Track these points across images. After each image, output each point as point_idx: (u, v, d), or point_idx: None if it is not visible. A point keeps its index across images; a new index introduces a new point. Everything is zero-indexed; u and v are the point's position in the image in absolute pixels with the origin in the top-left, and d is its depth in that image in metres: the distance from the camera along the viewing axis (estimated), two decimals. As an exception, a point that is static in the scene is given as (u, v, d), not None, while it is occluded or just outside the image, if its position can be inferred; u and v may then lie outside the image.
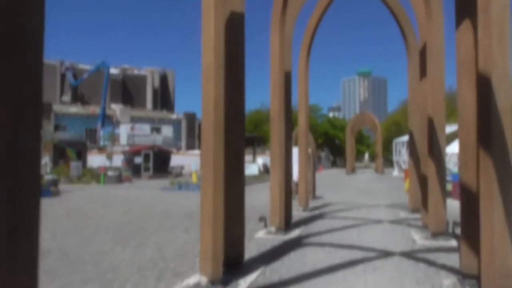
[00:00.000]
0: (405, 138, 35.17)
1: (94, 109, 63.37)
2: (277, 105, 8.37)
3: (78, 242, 7.65)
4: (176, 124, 68.33)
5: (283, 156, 8.50)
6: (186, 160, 37.26)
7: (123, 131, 57.29)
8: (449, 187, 12.93)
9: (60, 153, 30.74)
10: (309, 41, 11.68)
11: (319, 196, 16.03)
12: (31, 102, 1.94)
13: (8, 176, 1.80)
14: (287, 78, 9.45)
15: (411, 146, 11.35)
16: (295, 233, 8.39)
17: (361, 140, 72.42)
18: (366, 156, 69.26)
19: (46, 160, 23.05)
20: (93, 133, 58.48)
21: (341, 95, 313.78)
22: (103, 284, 5.07)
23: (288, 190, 9.18)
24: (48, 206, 13.47)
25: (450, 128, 16.85)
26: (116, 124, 61.50)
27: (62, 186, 20.99)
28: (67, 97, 71.33)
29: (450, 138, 16.40)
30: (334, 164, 68.45)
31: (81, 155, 32.39)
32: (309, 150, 13.97)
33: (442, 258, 6.19)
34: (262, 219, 8.75)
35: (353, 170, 44.20)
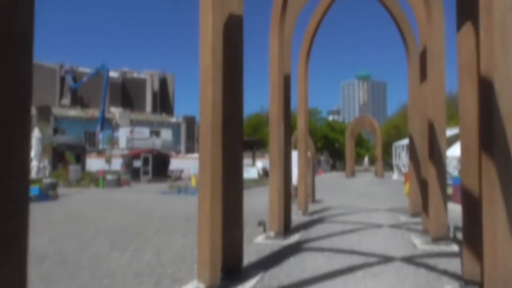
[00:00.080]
0: (405, 141, 35.11)
1: (93, 112, 63.29)
2: (276, 108, 8.31)
3: (75, 246, 7.56)
4: (175, 128, 68.26)
5: (282, 160, 8.43)
6: (186, 164, 37.15)
7: (122, 134, 57.21)
8: (449, 190, 12.85)
9: (59, 157, 30.64)
10: (309, 44, 11.64)
11: (319, 200, 15.95)
12: (20, 104, 1.87)
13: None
14: (286, 81, 9.39)
15: (411, 149, 11.29)
16: (294, 237, 8.31)
17: (360, 144, 72.36)
18: (366, 159, 69.13)
19: (44, 163, 22.93)
20: (92, 137, 58.37)
21: (341, 99, 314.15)
22: (99, 290, 5.00)
23: (287, 194, 9.11)
24: (46, 210, 13.39)
25: (450, 132, 16.80)
26: (116, 127, 61.42)
27: (61, 190, 20.90)
28: (66, 100, 71.26)
29: (450, 141, 16.36)
30: (333, 167, 68.35)
31: (80, 159, 32.31)
32: (309, 154, 13.90)
33: (443, 263, 6.11)
34: (261, 223, 8.67)
35: (352, 174, 44.12)
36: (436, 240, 7.40)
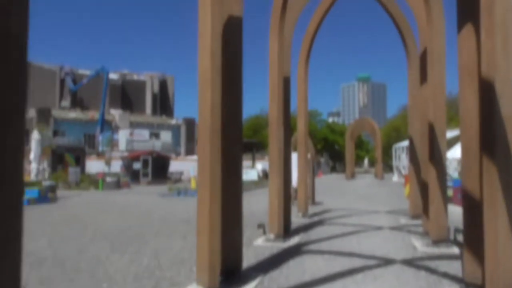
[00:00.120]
0: (405, 143, 35.08)
1: (93, 114, 63.23)
2: (275, 110, 8.28)
3: (74, 249, 7.52)
4: (175, 130, 68.19)
5: (281, 162, 8.39)
6: (185, 166, 37.09)
7: (122, 136, 57.14)
8: (449, 192, 12.82)
9: (58, 159, 30.61)
10: (309, 45, 11.61)
11: (319, 202, 15.91)
12: (14, 105, 1.84)
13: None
14: (286, 83, 9.36)
15: (411, 151, 11.26)
16: (294, 240, 8.27)
17: (360, 146, 72.33)
18: (366, 161, 69.11)
19: (44, 165, 22.90)
20: (91, 139, 58.30)
21: (341, 101, 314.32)
22: (98, 293, 4.96)
23: (287, 196, 9.07)
24: (45, 212, 13.36)
25: (450, 133, 16.79)
26: (115, 129, 61.36)
27: (60, 192, 20.85)
28: (66, 102, 71.19)
29: (450, 143, 16.33)
30: (333, 169, 68.32)
31: (79, 161, 32.26)
32: (308, 156, 13.87)
33: (444, 266, 6.07)
34: (261, 226, 8.63)
35: (352, 176, 44.09)
36: (436, 242, 7.36)
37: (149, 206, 15.58)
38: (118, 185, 26.20)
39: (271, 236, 8.13)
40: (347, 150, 45.74)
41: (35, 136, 21.64)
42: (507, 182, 3.92)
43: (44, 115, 59.62)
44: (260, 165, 36.42)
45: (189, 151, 62.52)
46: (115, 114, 67.89)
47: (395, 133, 63.35)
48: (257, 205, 13.56)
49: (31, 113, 60.63)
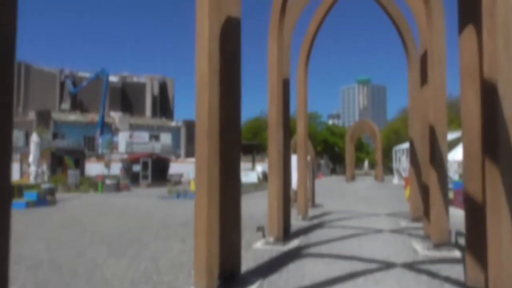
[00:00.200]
0: (405, 145, 35.02)
1: (93, 116, 63.23)
2: (275, 112, 8.21)
3: (72, 253, 7.44)
4: (175, 132, 68.19)
5: (281, 164, 8.33)
6: (185, 168, 37.03)
7: (122, 138, 57.12)
8: (450, 195, 12.75)
9: (58, 161, 30.52)
10: (308, 47, 11.55)
11: (319, 204, 15.83)
12: (2, 106, 1.78)
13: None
14: (286, 85, 9.30)
15: (412, 153, 11.19)
16: (294, 243, 8.19)
17: (360, 148, 72.24)
18: (366, 163, 68.99)
19: (43, 168, 22.83)
20: (91, 141, 58.28)
21: (341, 103, 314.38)
22: (94, 298, 4.88)
23: (286, 198, 9.00)
24: (43, 215, 13.29)
25: (450, 135, 16.73)
26: (115, 131, 61.33)
27: (60, 195, 20.78)
28: (66, 105, 71.24)
29: (450, 145, 16.27)
30: (333, 171, 68.24)
31: (79, 163, 32.18)
32: (308, 158, 13.80)
33: (445, 269, 5.99)
34: (260, 228, 8.56)
35: (352, 178, 44.02)
36: (437, 245, 7.28)
37: (148, 209, 15.51)
38: (117, 187, 26.13)
39: (271, 239, 8.06)
40: (347, 152, 45.68)
41: (34, 138, 21.57)
42: (510, 186, 3.85)
43: (44, 117, 59.63)
44: (260, 167, 36.34)
45: (189, 153, 62.45)
46: (115, 116, 67.89)
47: (395, 135, 63.28)
48: (256, 207, 13.49)
49: (31, 115, 60.67)
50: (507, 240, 3.82)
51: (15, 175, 26.72)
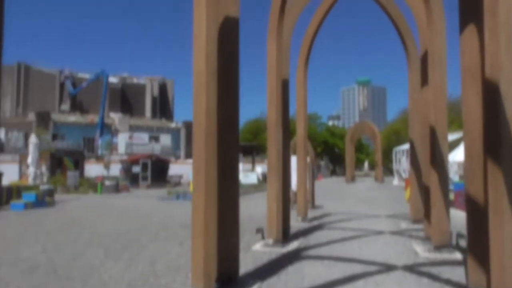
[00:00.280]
0: (405, 146, 34.95)
1: (92, 118, 63.10)
2: (274, 113, 8.14)
3: (69, 255, 7.36)
4: (175, 133, 68.07)
5: (280, 165, 8.25)
6: (185, 169, 36.95)
7: (122, 140, 56.99)
8: (451, 196, 12.68)
9: (57, 162, 30.43)
10: (308, 48, 11.49)
11: (319, 206, 15.77)
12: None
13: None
14: (285, 86, 9.24)
15: (412, 155, 11.13)
16: (293, 245, 8.12)
17: (360, 149, 72.19)
18: (366, 164, 68.94)
19: (42, 169, 22.74)
20: (91, 142, 58.14)
21: (341, 104, 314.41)
22: (90, 302, 4.81)
23: (286, 200, 8.93)
24: (42, 217, 13.21)
25: (450, 137, 16.67)
26: (115, 132, 61.23)
27: (59, 196, 20.71)
28: (66, 106, 71.09)
29: (450, 146, 16.21)
30: (333, 172, 68.15)
31: (78, 164, 32.09)
32: (308, 159, 13.73)
33: (446, 272, 5.92)
34: (259, 230, 8.49)
35: (352, 179, 43.95)
36: (438, 247, 7.21)
37: (148, 210, 15.43)
38: (117, 188, 26.06)
39: (270, 241, 7.99)
40: (347, 154, 45.63)
41: (32, 140, 21.49)
42: (512, 187, 3.78)
43: (43, 118, 59.52)
44: (260, 169, 36.26)
45: (189, 155, 62.36)
46: (115, 117, 67.78)
47: (395, 136, 63.23)
48: (256, 209, 13.43)
49: (31, 116, 60.60)
50: (509, 241, 3.75)
51: (14, 177, 26.64)
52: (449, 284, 5.39)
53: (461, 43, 4.57)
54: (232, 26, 5.26)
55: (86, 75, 71.48)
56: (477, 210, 4.44)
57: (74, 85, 71.53)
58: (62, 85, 72.41)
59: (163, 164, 36.73)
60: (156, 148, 55.20)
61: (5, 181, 18.75)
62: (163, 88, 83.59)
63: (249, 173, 33.74)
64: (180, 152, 63.80)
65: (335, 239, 8.78)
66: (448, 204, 7.38)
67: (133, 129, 63.36)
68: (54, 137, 53.95)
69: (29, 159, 20.77)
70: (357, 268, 6.25)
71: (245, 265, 6.25)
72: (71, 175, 26.80)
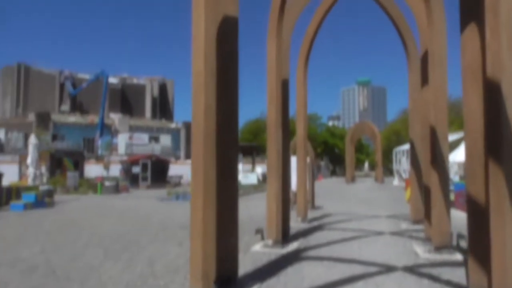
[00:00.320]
0: (405, 147, 34.92)
1: (92, 118, 63.07)
2: (274, 113, 8.11)
3: (67, 256, 7.33)
4: (175, 133, 68.04)
5: (280, 167, 8.22)
6: (185, 170, 36.88)
7: (121, 140, 56.95)
8: (451, 197, 12.64)
9: (57, 163, 30.40)
10: (308, 48, 11.45)
11: (319, 206, 15.73)
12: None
13: None
14: (285, 86, 9.20)
15: (413, 155, 11.09)
16: (293, 246, 8.08)
17: (360, 149, 72.17)
18: (366, 165, 68.92)
19: (41, 170, 22.69)
20: (91, 143, 58.10)
21: (341, 104, 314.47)
22: (88, 303, 4.77)
23: (285, 200, 8.89)
24: (41, 218, 13.17)
25: (450, 137, 16.64)
26: (115, 133, 61.20)
27: (58, 197, 20.69)
28: (66, 107, 71.06)
29: (450, 147, 16.16)
30: (333, 173, 68.12)
31: (78, 165, 32.06)
32: (308, 159, 13.70)
33: (447, 273, 5.89)
34: (259, 231, 8.46)
35: (353, 179, 43.91)
36: (439, 248, 7.17)
37: (147, 211, 15.39)
38: (116, 189, 26.02)
39: (269, 241, 7.95)
40: (347, 154, 45.59)
41: (32, 140, 21.45)
42: (513, 187, 3.75)
43: (43, 119, 59.50)
44: (260, 169, 36.22)
45: (189, 155, 62.16)
46: (115, 118, 67.76)
47: (395, 136, 63.25)
48: (256, 209, 13.40)
49: (31, 117, 60.59)
50: (511, 242, 3.71)
51: (14, 177, 26.61)
52: (449, 285, 5.36)
53: (462, 42, 4.53)
54: (231, 26, 5.22)
55: (86, 76, 71.47)
56: (478, 211, 4.40)
57: (74, 85, 71.50)
58: (62, 86, 72.39)
59: (163, 164, 36.70)
60: (156, 149, 55.16)
61: (5, 182, 18.71)
62: (163, 89, 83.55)
63: (249, 174, 33.71)
64: (180, 153, 63.76)
65: (335, 240, 8.74)
66: (448, 204, 7.35)
67: (133, 129, 63.33)
68: (54, 137, 53.90)
69: (29, 160, 20.73)
70: (357, 269, 6.21)
71: (244, 266, 6.22)
72: (71, 176, 26.77)
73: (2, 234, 10.12)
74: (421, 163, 10.04)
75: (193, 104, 4.62)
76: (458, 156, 22.82)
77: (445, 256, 6.96)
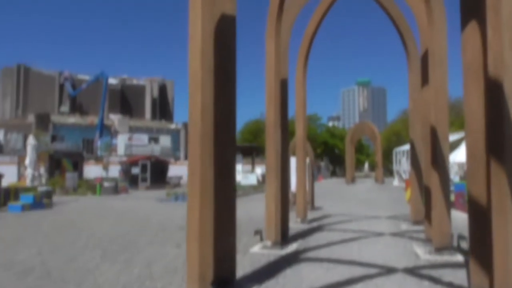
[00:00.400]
0: (405, 147, 34.86)
1: (92, 119, 63.05)
2: (272, 113, 8.04)
3: (63, 258, 7.25)
4: (174, 134, 68.01)
5: (279, 167, 8.15)
6: (184, 170, 36.55)
7: (121, 141, 56.91)
8: (451, 197, 12.57)
9: (56, 164, 30.31)
10: (307, 48, 11.39)
11: (318, 207, 15.66)
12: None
13: None
14: (284, 86, 9.14)
15: (413, 155, 11.03)
16: (292, 247, 8.01)
17: (360, 150, 72.13)
18: (366, 165, 68.85)
19: (40, 171, 22.63)
20: (90, 144, 58.06)
21: (341, 105, 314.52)
22: (83, 306, 4.70)
23: (284, 201, 8.82)
24: (39, 219, 13.10)
25: (451, 137, 16.55)
26: (114, 134, 61.15)
27: (57, 198, 20.61)
28: (65, 108, 71.06)
29: (450, 147, 16.09)
30: (333, 173, 68.05)
31: (77, 166, 31.98)
32: (307, 160, 13.63)
33: (448, 275, 5.81)
34: (258, 232, 8.39)
35: (353, 180, 43.82)
36: (439, 249, 7.10)
37: (146, 212, 15.32)
38: (116, 190, 25.95)
39: (268, 243, 7.88)
40: (347, 155, 45.52)
41: (30, 141, 21.39)
42: (515, 188, 3.68)
43: (43, 120, 59.48)
44: (259, 170, 36.13)
45: (189, 156, 62.13)
46: (115, 119, 67.74)
47: (395, 137, 63.20)
48: (255, 210, 13.32)
49: (30, 118, 60.56)
50: (513, 245, 3.64)
51: (13, 178, 26.53)
52: (450, 287, 5.29)
53: (463, 40, 4.46)
54: (229, 24, 5.15)
55: (86, 77, 71.47)
56: (480, 211, 4.34)
57: (73, 86, 71.49)
58: (61, 87, 72.39)
59: (162, 165, 36.64)
60: (155, 149, 55.13)
61: (4, 183, 18.65)
62: (163, 89, 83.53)
63: (248, 174, 33.64)
64: (179, 153, 63.74)
65: (334, 241, 8.67)
66: (449, 205, 7.28)
67: (132, 130, 63.31)
68: (54, 138, 53.86)
69: (27, 161, 20.66)
70: (357, 271, 6.14)
71: (243, 267, 6.15)
72: (70, 177, 26.67)
73: (-1, 236, 10.05)
74: (421, 163, 9.97)
75: (190, 103, 4.55)
76: (458, 156, 22.75)
77: (446, 257, 6.89)
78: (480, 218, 4.32)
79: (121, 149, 54.85)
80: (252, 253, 7.40)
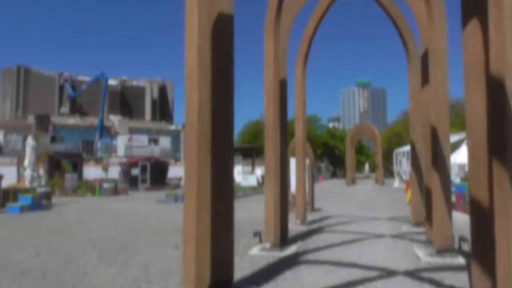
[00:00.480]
0: (406, 148, 34.78)
1: (92, 120, 63.01)
2: (271, 114, 7.97)
3: (61, 260, 7.17)
4: (174, 135, 67.98)
5: (278, 169, 8.07)
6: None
7: (121, 142, 56.88)
8: (452, 198, 12.47)
9: (55, 165, 30.24)
10: (306, 49, 11.32)
11: (318, 209, 15.58)
12: None
13: None
14: (283, 87, 9.06)
15: (413, 156, 10.95)
16: (291, 249, 7.93)
17: (361, 151, 72.06)
18: (366, 166, 68.80)
19: (39, 172, 22.57)
20: (90, 145, 58.00)
21: (341, 106, 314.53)
22: (78, 309, 4.62)
23: (284, 202, 8.74)
24: (38, 220, 13.03)
25: (451, 138, 16.45)
26: (114, 135, 61.10)
27: (56, 199, 20.54)
28: (65, 109, 71.03)
29: (451, 148, 16.01)
30: (334, 174, 67.99)
31: (77, 167, 31.90)
32: (307, 161, 13.56)
33: (449, 277, 5.73)
34: (257, 234, 8.31)
35: (353, 181, 43.76)
36: (440, 251, 7.02)
37: (145, 213, 15.24)
38: (115, 191, 25.88)
39: (267, 245, 7.80)
40: (348, 156, 45.46)
41: (29, 142, 21.32)
42: (518, 189, 3.60)
43: (43, 121, 59.46)
44: (259, 171, 36.05)
45: (189, 157, 62.00)
46: (114, 120, 67.71)
47: (396, 138, 63.13)
48: (255, 211, 13.24)
49: (30, 119, 60.52)
50: (516, 248, 3.56)
51: (12, 179, 26.46)
52: (452, 290, 5.21)
53: (464, 39, 4.39)
54: (226, 23, 5.08)
55: (86, 78, 71.42)
56: (482, 213, 4.26)
57: (73, 87, 71.46)
58: (61, 88, 72.36)
59: (162, 166, 36.58)
60: (155, 151, 55.08)
61: (3, 184, 18.58)
62: (162, 91, 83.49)
63: (248, 175, 33.57)
64: (179, 155, 63.66)
65: (334, 243, 8.59)
66: (450, 206, 7.20)
67: (132, 131, 63.26)
68: (53, 139, 53.81)
69: (26, 162, 20.59)
70: (357, 273, 6.06)
71: (241, 269, 6.08)
72: (69, 178, 26.62)
73: (-4, 237, 9.97)
74: (422, 164, 9.89)
75: (186, 103, 4.48)
76: (459, 157, 22.69)
77: (447, 260, 6.80)
78: (482, 219, 4.24)
79: (121, 150, 54.80)
80: (251, 255, 7.32)
